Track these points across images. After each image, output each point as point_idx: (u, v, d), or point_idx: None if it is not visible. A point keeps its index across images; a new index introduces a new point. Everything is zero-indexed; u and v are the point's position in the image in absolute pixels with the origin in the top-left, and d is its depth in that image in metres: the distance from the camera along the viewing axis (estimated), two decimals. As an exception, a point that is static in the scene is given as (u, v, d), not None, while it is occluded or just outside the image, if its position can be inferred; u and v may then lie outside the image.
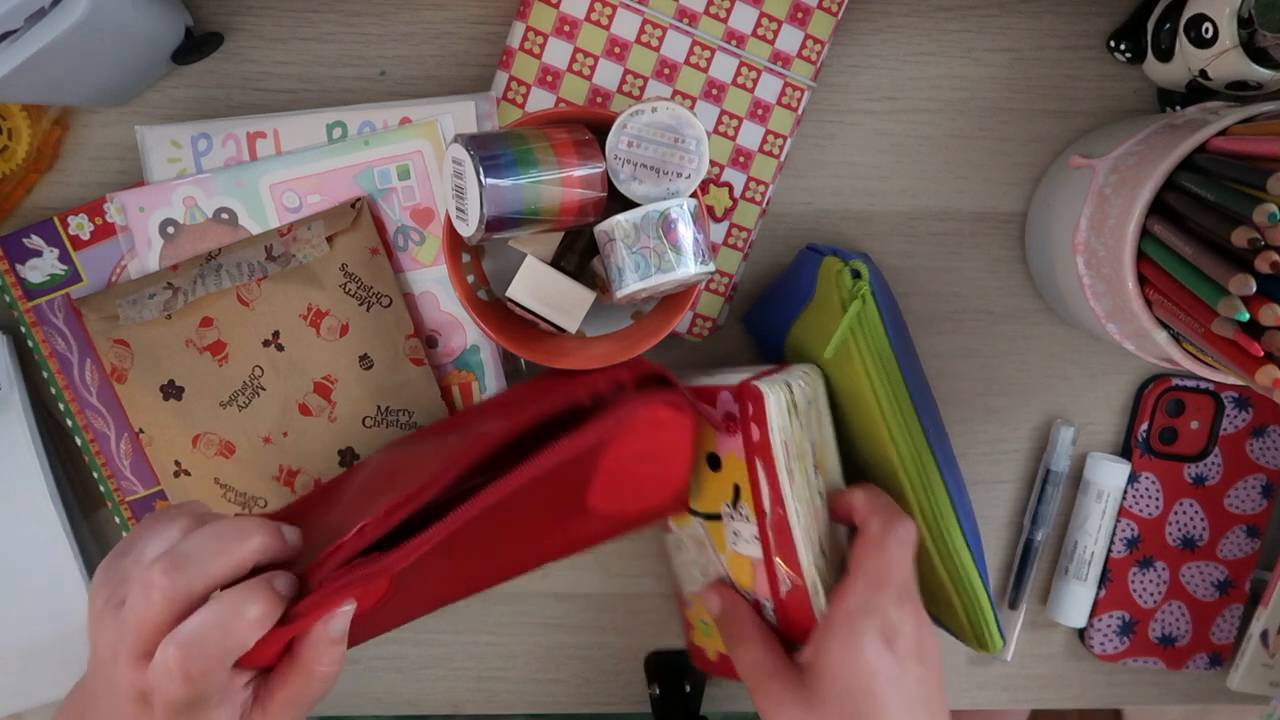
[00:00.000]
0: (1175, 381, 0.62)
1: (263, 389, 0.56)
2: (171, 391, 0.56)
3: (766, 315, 0.58)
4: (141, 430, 0.57)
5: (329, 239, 0.55)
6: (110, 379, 0.56)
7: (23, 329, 0.57)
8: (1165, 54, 0.54)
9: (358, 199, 0.55)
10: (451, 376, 0.58)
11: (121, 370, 0.56)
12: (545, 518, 0.50)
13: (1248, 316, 0.42)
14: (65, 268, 0.56)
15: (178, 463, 0.57)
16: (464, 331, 0.57)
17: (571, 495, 0.50)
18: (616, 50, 0.55)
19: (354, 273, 0.55)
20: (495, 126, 0.56)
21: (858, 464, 0.54)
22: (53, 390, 0.57)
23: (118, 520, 0.59)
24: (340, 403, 0.57)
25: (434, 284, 0.57)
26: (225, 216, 0.55)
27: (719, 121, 0.56)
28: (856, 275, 0.50)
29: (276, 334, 0.56)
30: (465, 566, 0.50)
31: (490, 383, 0.58)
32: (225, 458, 0.57)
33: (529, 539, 0.52)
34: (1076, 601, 0.63)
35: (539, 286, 0.51)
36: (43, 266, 0.56)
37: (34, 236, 0.56)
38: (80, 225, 0.56)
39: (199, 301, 0.55)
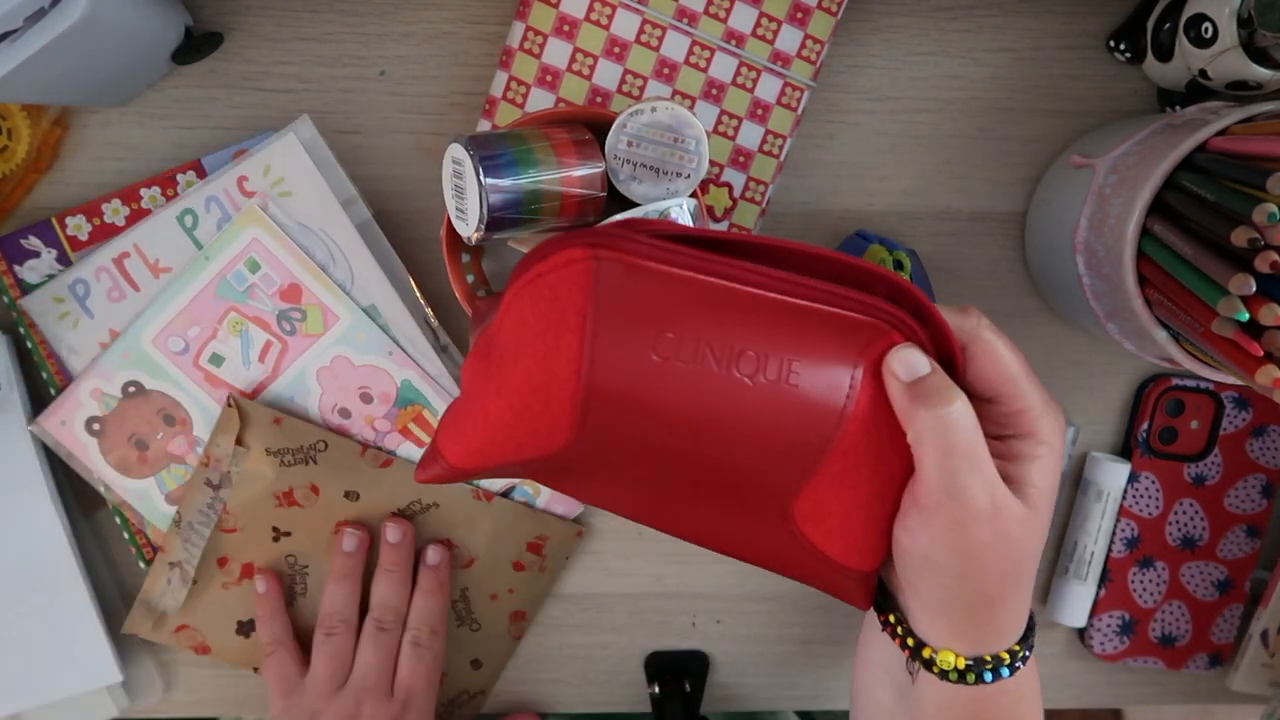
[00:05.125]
0: (1175, 381, 0.62)
1: (305, 568, 0.60)
2: (247, 627, 0.60)
3: None
4: (256, 669, 0.61)
5: (238, 443, 0.57)
6: (200, 654, 0.60)
7: (21, 330, 0.56)
8: (1165, 54, 0.54)
9: (229, 397, 0.56)
10: (401, 418, 0.58)
11: (202, 645, 0.60)
12: (746, 495, 0.40)
13: (1248, 316, 0.42)
14: (63, 269, 0.56)
15: None
16: (387, 374, 0.57)
17: (785, 478, 0.39)
18: (616, 50, 0.55)
19: (279, 448, 0.57)
20: (325, 146, 0.56)
21: None
22: (52, 391, 0.57)
23: (118, 520, 0.59)
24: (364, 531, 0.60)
25: (338, 347, 0.57)
26: (133, 389, 0.56)
27: (718, 121, 0.56)
28: (899, 266, 0.50)
29: (276, 529, 0.58)
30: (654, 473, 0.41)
31: (438, 405, 0.58)
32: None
33: (721, 504, 0.41)
34: (1076, 601, 0.63)
35: (539, 286, 0.51)
36: (40, 267, 0.56)
37: (31, 238, 0.56)
38: (78, 226, 0.56)
39: (201, 561, 0.58)
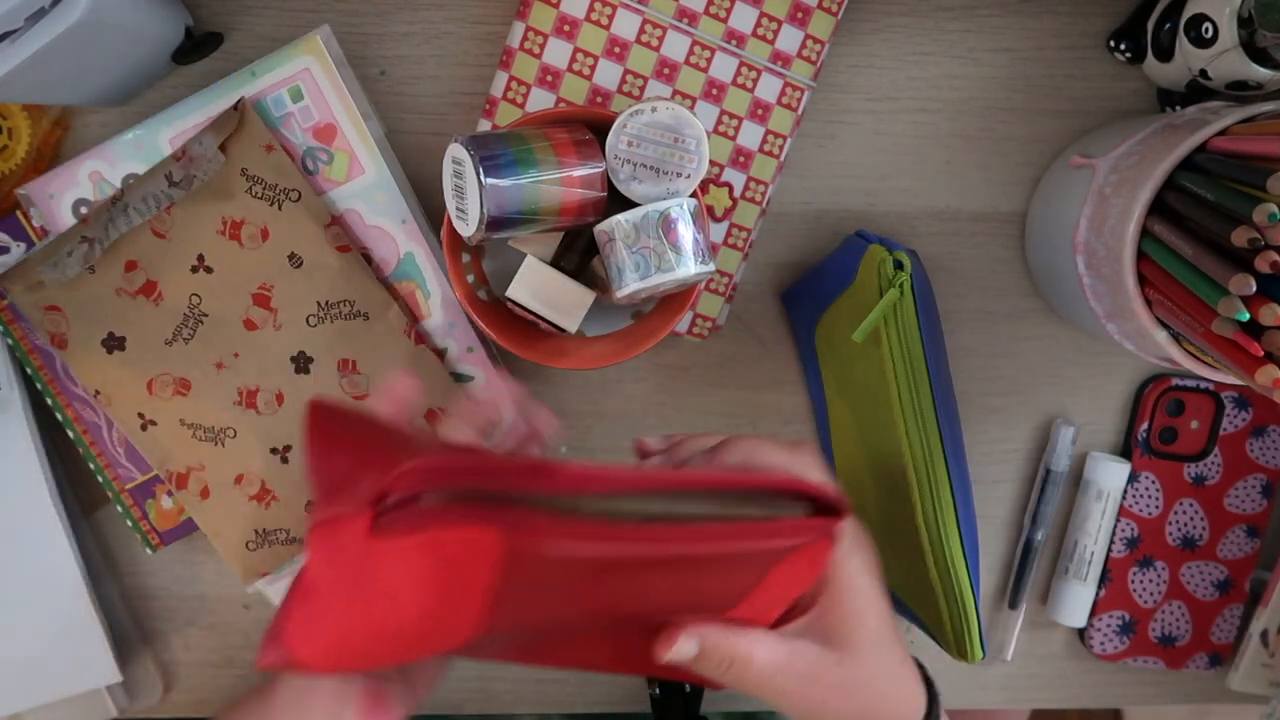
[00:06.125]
0: (1175, 381, 0.62)
1: (204, 316, 0.56)
2: (113, 343, 0.56)
3: (804, 295, 0.58)
4: (98, 392, 0.56)
5: (221, 148, 0.54)
6: (53, 348, 0.56)
7: (0, 328, 0.56)
8: (1165, 54, 0.54)
9: (238, 100, 0.54)
10: (394, 290, 0.57)
11: (60, 336, 0.55)
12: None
13: (1248, 316, 0.42)
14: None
15: (140, 414, 0.57)
16: (394, 241, 0.56)
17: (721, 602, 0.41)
18: (616, 50, 0.55)
19: (256, 175, 0.55)
20: (344, 63, 0.55)
21: (867, 455, 0.54)
22: (38, 385, 0.57)
23: (119, 509, 0.58)
24: (282, 308, 0.56)
25: (353, 200, 0.56)
26: (134, 181, 0.55)
27: (719, 121, 0.56)
28: (899, 266, 0.50)
29: (201, 258, 0.56)
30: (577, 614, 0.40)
31: (433, 288, 0.57)
32: (184, 395, 0.57)
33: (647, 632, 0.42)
34: (1076, 601, 0.63)
35: (539, 286, 0.51)
36: (9, 262, 0.56)
37: (1, 233, 0.56)
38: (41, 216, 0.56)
39: (117, 247, 0.55)
